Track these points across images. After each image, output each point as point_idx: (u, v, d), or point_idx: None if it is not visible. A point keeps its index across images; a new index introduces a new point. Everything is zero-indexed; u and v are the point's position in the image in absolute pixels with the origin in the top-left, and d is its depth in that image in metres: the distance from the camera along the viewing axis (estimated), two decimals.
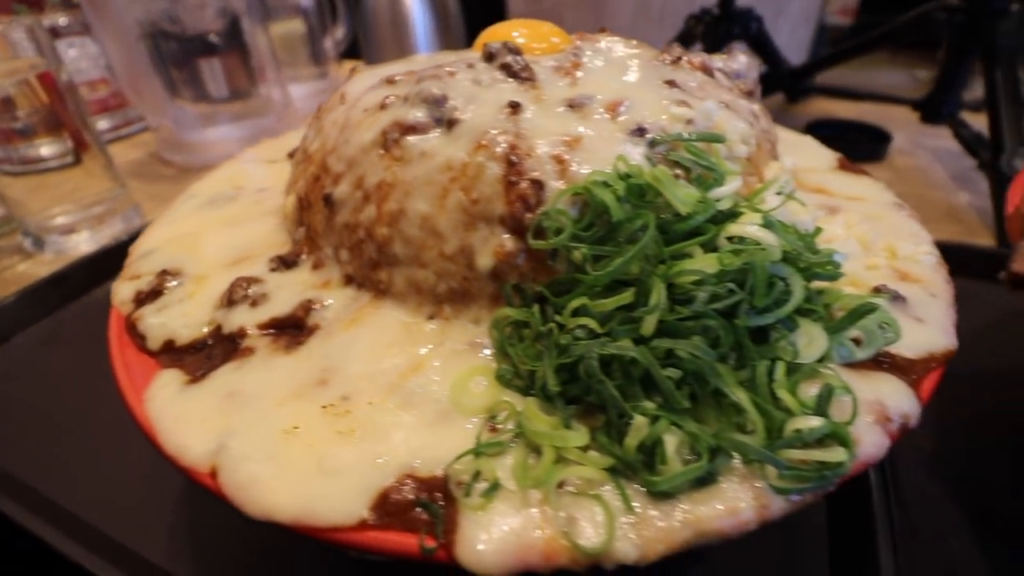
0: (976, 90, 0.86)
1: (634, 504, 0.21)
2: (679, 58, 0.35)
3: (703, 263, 0.24)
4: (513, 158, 0.27)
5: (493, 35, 0.39)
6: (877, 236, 0.35)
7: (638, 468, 0.21)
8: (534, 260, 0.27)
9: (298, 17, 1.03)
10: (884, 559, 0.33)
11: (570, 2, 2.07)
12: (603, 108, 0.30)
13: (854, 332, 0.26)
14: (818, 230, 0.29)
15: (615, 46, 0.37)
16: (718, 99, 0.33)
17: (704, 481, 0.21)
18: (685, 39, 1.09)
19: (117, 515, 0.36)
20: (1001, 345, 0.52)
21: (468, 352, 0.27)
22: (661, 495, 0.21)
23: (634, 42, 0.38)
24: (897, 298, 0.29)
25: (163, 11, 0.85)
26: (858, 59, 0.96)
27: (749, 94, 0.39)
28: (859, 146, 0.92)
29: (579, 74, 0.34)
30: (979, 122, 0.81)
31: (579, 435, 0.22)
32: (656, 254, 0.24)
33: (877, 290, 0.30)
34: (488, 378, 0.25)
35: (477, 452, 0.22)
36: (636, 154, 0.28)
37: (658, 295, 0.23)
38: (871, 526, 0.35)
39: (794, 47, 1.94)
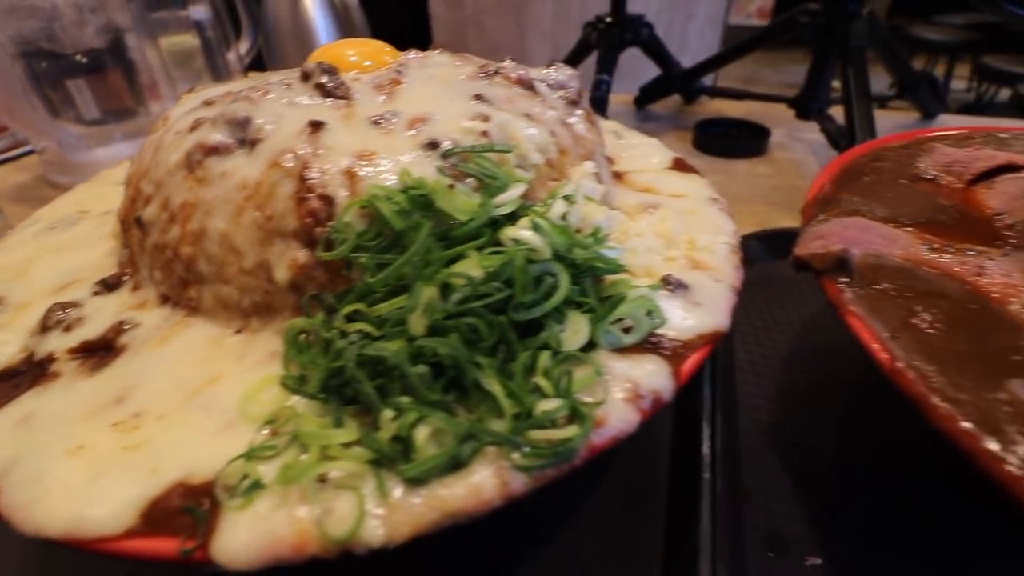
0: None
1: (390, 492, 0.22)
2: (496, 72, 0.38)
3: (467, 265, 0.26)
4: (305, 175, 0.29)
5: (326, 54, 0.41)
6: (684, 229, 0.38)
7: (396, 459, 0.23)
8: (330, 271, 0.29)
9: (193, 31, 1.01)
10: (704, 523, 0.37)
11: (492, 9, 2.11)
12: (405, 123, 0.32)
13: (628, 320, 0.29)
14: (597, 230, 0.31)
15: (440, 62, 0.39)
16: (521, 111, 0.35)
17: (457, 466, 0.23)
18: (583, 45, 1.14)
19: None
20: (834, 323, 0.57)
21: (268, 363, 0.28)
22: (415, 482, 0.22)
23: (460, 58, 0.41)
24: (680, 286, 0.33)
25: (39, 29, 0.82)
26: (780, 56, 1.02)
27: (573, 103, 0.42)
28: (743, 142, 0.98)
29: (398, 90, 0.36)
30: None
31: (344, 432, 0.24)
32: (433, 259, 0.26)
33: (665, 279, 0.33)
34: (278, 386, 0.26)
35: (248, 456, 0.23)
36: (427, 166, 0.30)
37: (418, 297, 0.25)
38: (698, 491, 0.39)
39: (705, 49, 2.05)
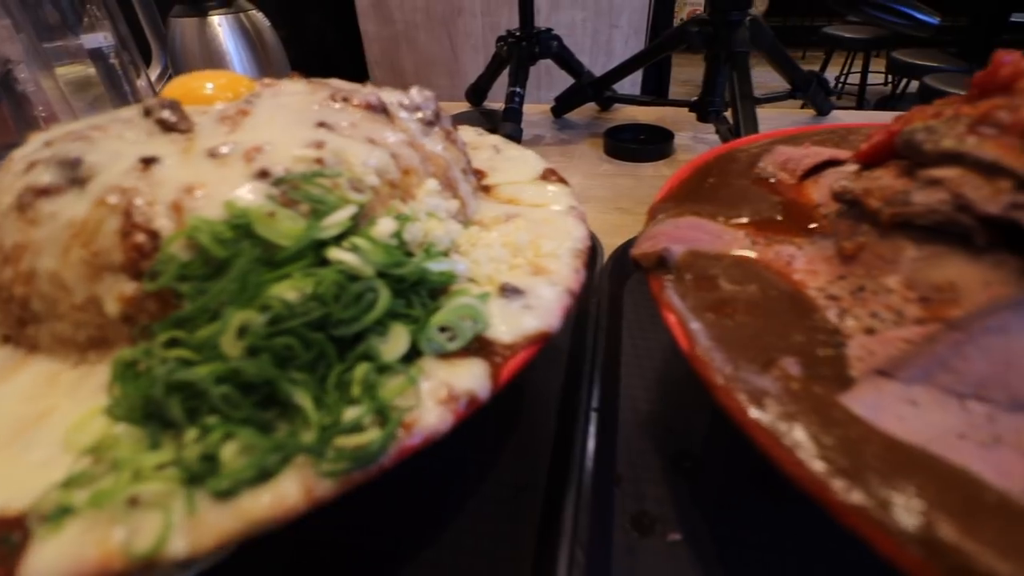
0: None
1: (197, 507, 0.24)
2: (345, 99, 0.40)
3: (281, 287, 0.28)
4: (130, 211, 0.30)
5: (183, 86, 0.42)
6: (532, 237, 0.41)
7: (204, 475, 0.24)
8: (160, 302, 0.30)
9: (96, 60, 0.99)
10: (567, 510, 0.39)
11: (422, 24, 2.13)
12: (242, 154, 0.33)
13: (466, 324, 0.31)
14: (429, 245, 0.33)
15: (293, 90, 0.41)
16: (364, 135, 0.37)
17: (266, 476, 0.24)
18: (496, 59, 1.17)
19: None
20: None
21: (101, 394, 0.29)
22: (223, 495, 0.24)
23: (315, 85, 0.42)
24: (515, 291, 0.35)
25: None
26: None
27: (430, 123, 0.44)
28: (649, 146, 1.03)
29: (244, 120, 0.37)
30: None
31: (157, 455, 0.25)
32: (251, 284, 0.28)
33: (502, 287, 0.35)
34: (105, 416, 0.27)
35: (66, 484, 0.24)
36: (257, 195, 0.31)
37: (227, 321, 0.26)
38: (567, 482, 0.41)
39: (630, 56, 2.12)
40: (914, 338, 0.28)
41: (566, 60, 1.15)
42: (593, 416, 0.46)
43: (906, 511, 0.22)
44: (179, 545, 0.23)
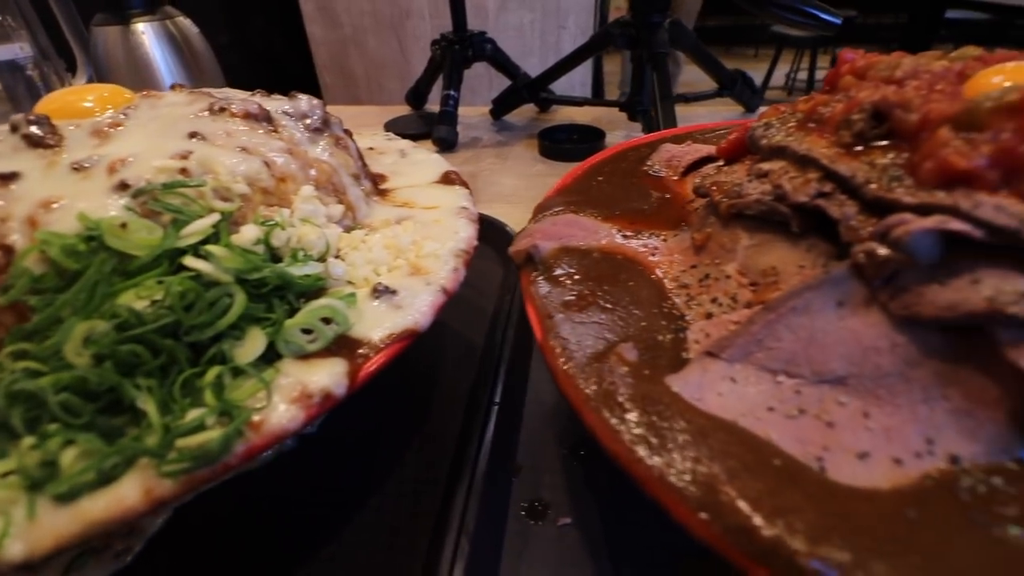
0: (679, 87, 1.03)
1: (37, 511, 0.24)
2: (222, 109, 0.40)
3: (128, 297, 0.28)
4: None
5: (60, 100, 0.42)
6: (416, 239, 0.42)
7: (45, 480, 0.25)
8: (16, 316, 0.30)
9: (13, 72, 0.97)
10: (457, 500, 0.40)
11: (371, 28, 2.13)
12: (105, 167, 0.34)
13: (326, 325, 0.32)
14: (294, 251, 0.35)
15: (172, 101, 0.41)
16: (237, 144, 0.38)
17: (108, 479, 0.25)
18: (432, 63, 1.18)
19: None
20: None
21: None
22: (63, 499, 0.25)
23: (197, 95, 0.43)
24: (387, 292, 0.36)
25: None
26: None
27: (317, 131, 0.45)
28: (581, 146, 1.05)
29: (116, 133, 0.38)
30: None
31: (3, 463, 0.25)
32: (99, 294, 0.29)
33: (374, 288, 0.36)
34: None
35: None
36: (116, 206, 0.32)
37: (68, 332, 0.27)
38: (459, 470, 0.43)
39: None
40: (741, 320, 0.31)
41: (501, 63, 1.17)
42: (494, 410, 0.48)
43: (697, 479, 0.24)
44: (16, 548, 0.23)
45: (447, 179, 0.53)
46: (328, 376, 0.30)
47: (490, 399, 0.49)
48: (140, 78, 1.03)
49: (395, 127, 1.19)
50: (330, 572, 0.40)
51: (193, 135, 0.37)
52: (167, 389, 0.28)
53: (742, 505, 0.22)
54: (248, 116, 0.41)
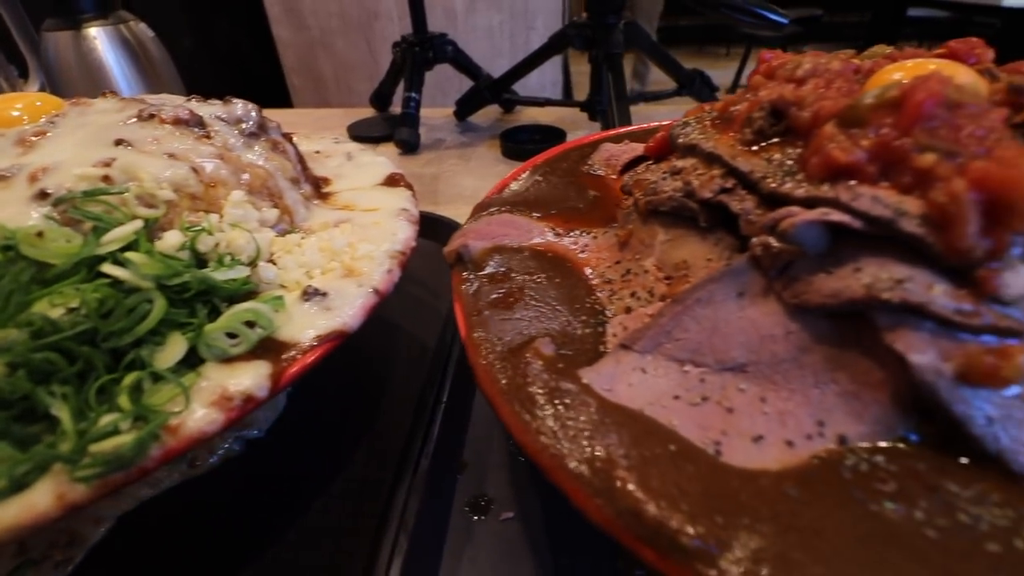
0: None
1: None
2: (151, 115, 0.40)
3: (42, 305, 0.28)
4: None
5: None
6: (351, 241, 0.42)
7: None
8: None
9: None
10: (399, 499, 0.41)
11: (339, 30, 2.12)
12: (26, 176, 0.34)
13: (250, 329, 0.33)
14: (220, 256, 0.35)
15: (101, 108, 0.41)
16: (166, 150, 0.38)
17: (21, 486, 0.25)
18: (393, 65, 1.18)
19: None
20: None
21: None
22: None
23: (127, 102, 0.43)
24: (317, 294, 0.37)
25: None
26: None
27: (253, 135, 0.45)
28: (543, 145, 1.06)
29: (41, 142, 0.37)
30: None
31: None
32: (12, 303, 0.28)
33: (304, 290, 0.37)
34: None
35: None
36: (36, 215, 0.32)
37: None
38: (404, 469, 0.43)
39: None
40: (654, 313, 0.32)
41: (463, 64, 1.18)
42: (441, 409, 0.48)
43: (594, 466, 0.25)
44: None
45: (392, 181, 0.53)
46: (251, 379, 0.31)
47: (436, 398, 0.49)
48: (94, 84, 1.01)
49: (358, 130, 1.19)
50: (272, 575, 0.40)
51: (119, 142, 0.37)
52: (83, 396, 0.28)
53: (632, 489, 0.23)
54: (178, 122, 0.41)
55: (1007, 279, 0.23)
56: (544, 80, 2.22)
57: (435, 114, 1.29)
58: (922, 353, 0.24)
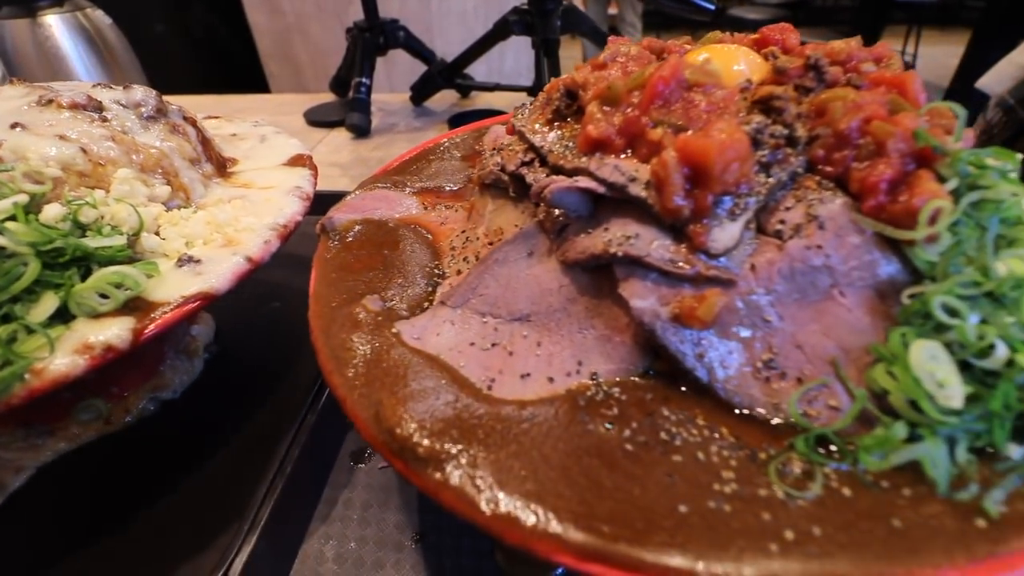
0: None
1: None
2: (51, 100, 0.44)
3: None
4: None
5: None
6: (238, 215, 0.47)
7: None
8: None
9: None
10: (281, 448, 0.46)
11: (314, 14, 2.14)
12: None
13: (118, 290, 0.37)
14: (98, 225, 0.39)
15: (7, 95, 0.45)
16: (57, 132, 0.42)
17: None
18: (349, 51, 1.21)
19: None
20: None
21: None
22: None
23: (32, 88, 0.47)
24: (191, 261, 0.41)
25: None
26: None
27: (151, 118, 0.49)
28: None
29: None
30: None
31: None
32: None
33: (179, 258, 0.41)
34: None
35: None
36: None
37: None
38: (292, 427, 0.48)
39: (523, 41, 2.19)
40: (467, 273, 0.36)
41: (415, 49, 1.21)
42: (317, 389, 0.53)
43: (372, 398, 0.29)
44: None
45: (296, 161, 0.57)
46: (113, 332, 0.35)
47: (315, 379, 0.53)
48: (52, 71, 1.05)
49: (315, 115, 1.23)
50: (169, 518, 0.45)
51: (15, 125, 0.41)
52: None
53: (390, 414, 0.28)
54: (75, 106, 0.45)
55: (715, 235, 0.28)
56: (519, 66, 2.24)
57: (392, 99, 1.32)
58: (643, 299, 0.28)
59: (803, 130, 0.29)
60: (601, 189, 0.29)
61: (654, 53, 0.41)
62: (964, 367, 0.26)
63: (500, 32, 1.08)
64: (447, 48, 1.28)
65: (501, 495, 0.24)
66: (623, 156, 0.30)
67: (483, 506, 0.24)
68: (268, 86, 2.22)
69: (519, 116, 0.40)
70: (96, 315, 0.36)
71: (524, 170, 0.34)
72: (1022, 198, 0.29)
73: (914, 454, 0.24)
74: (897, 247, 0.28)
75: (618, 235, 0.29)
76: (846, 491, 0.24)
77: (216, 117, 0.68)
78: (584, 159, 0.31)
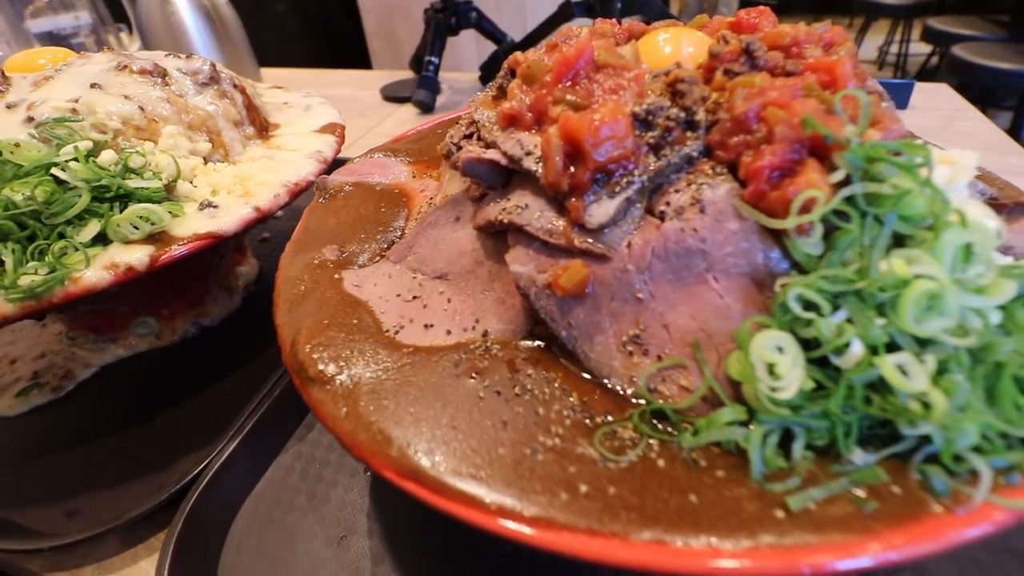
0: None
1: None
2: (125, 67, 0.54)
3: (7, 190, 0.43)
4: None
5: (25, 57, 0.58)
6: (258, 171, 0.54)
7: None
8: None
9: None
10: (248, 404, 0.53)
11: None
12: (26, 106, 0.49)
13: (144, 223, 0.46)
14: (127, 167, 0.48)
15: (97, 60, 0.56)
16: (123, 92, 0.52)
17: None
18: (427, 31, 1.28)
19: None
20: None
21: None
22: None
23: (116, 56, 0.57)
24: (210, 206, 0.49)
25: None
26: None
27: (204, 84, 0.58)
28: None
29: (47, 84, 0.53)
30: None
31: None
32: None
33: (201, 203, 0.49)
34: None
35: None
36: (23, 133, 0.47)
37: None
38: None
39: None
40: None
41: (487, 30, 1.25)
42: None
43: (295, 328, 0.34)
44: None
45: (327, 129, 0.64)
46: (136, 256, 0.44)
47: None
48: (176, 43, 1.22)
49: (389, 91, 1.31)
50: (186, 419, 0.54)
51: (94, 85, 0.51)
52: (26, 251, 0.42)
53: (301, 339, 0.33)
54: (143, 72, 0.54)
55: (591, 210, 0.29)
56: None
57: (462, 78, 1.37)
58: (523, 265, 0.30)
59: (703, 114, 0.30)
60: (504, 161, 0.32)
61: (634, 36, 0.42)
62: (825, 363, 0.26)
63: (562, 15, 1.09)
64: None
65: (359, 417, 0.28)
66: (532, 132, 0.32)
67: (344, 424, 0.28)
68: (371, 63, 2.38)
69: (479, 93, 0.43)
70: (127, 242, 0.45)
71: (464, 142, 0.37)
72: (938, 195, 0.27)
73: (724, 436, 0.25)
74: (779, 238, 0.28)
75: (511, 205, 0.31)
76: (661, 462, 0.25)
77: (279, 87, 0.77)
78: (499, 133, 0.33)
